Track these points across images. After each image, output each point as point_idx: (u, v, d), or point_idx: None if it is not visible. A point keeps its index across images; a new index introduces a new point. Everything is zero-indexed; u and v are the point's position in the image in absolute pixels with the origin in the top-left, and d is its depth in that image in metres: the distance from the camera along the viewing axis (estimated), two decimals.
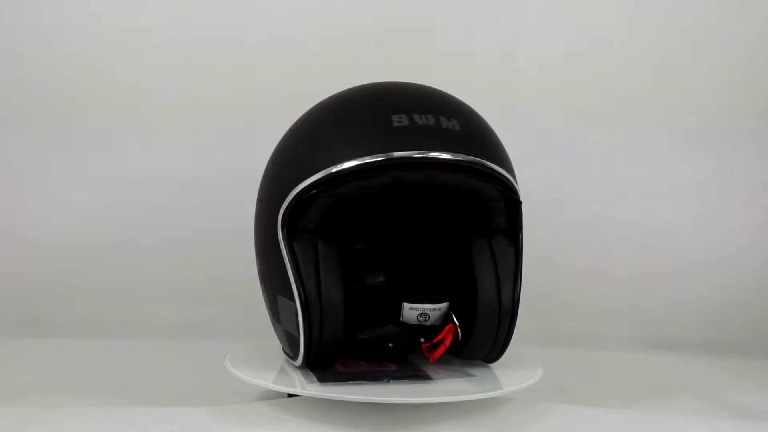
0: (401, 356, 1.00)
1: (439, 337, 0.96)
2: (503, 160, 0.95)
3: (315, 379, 0.92)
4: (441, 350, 0.96)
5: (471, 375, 0.97)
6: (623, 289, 1.46)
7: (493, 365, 1.01)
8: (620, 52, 1.51)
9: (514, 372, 0.99)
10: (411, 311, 0.99)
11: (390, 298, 1.00)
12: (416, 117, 0.90)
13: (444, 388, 0.92)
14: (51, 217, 1.46)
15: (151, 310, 1.38)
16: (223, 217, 1.44)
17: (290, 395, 0.94)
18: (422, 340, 0.98)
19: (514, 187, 0.95)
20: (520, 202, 0.96)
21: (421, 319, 0.99)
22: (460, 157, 0.89)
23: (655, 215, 1.50)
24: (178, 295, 1.41)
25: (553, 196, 1.43)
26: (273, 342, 1.03)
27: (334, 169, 0.88)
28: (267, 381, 0.92)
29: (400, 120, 0.89)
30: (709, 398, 1.11)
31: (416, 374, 0.96)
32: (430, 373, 0.96)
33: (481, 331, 0.95)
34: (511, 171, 0.95)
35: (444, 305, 0.97)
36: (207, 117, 1.48)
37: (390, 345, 0.98)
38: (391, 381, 0.93)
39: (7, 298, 1.38)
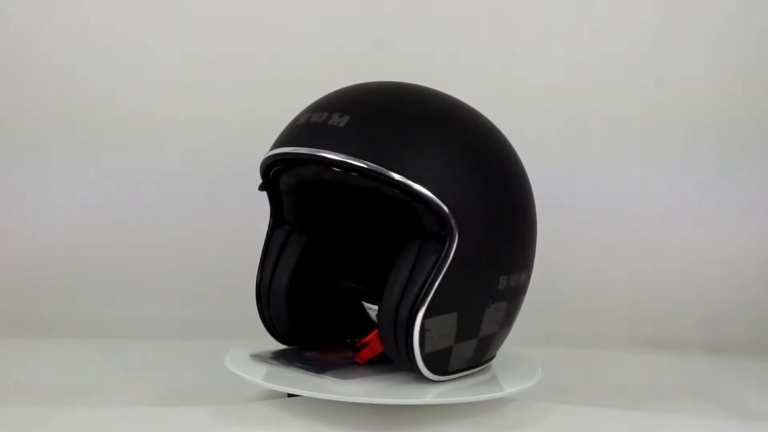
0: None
1: (365, 339, 0.95)
2: (397, 158, 0.86)
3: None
4: (367, 353, 0.95)
5: (362, 377, 0.93)
6: (623, 289, 1.46)
7: (492, 364, 1.01)
8: (620, 51, 1.51)
9: (514, 372, 0.99)
10: (370, 311, 1.00)
11: (354, 297, 1.02)
12: (315, 115, 0.91)
13: (443, 390, 0.92)
14: (51, 217, 1.46)
15: (151, 310, 1.38)
16: (223, 217, 1.45)
17: (290, 395, 0.94)
18: (348, 340, 0.97)
19: (408, 188, 0.86)
20: (421, 202, 0.86)
21: None
22: (303, 150, 0.89)
23: (655, 215, 1.50)
24: (178, 295, 1.41)
25: (552, 196, 1.43)
26: (273, 342, 1.03)
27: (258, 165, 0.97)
28: (267, 381, 0.92)
29: (300, 118, 0.93)
30: (709, 398, 1.11)
31: (314, 367, 0.95)
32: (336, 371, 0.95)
33: (383, 341, 0.91)
34: (415, 172, 0.86)
35: None
36: (207, 117, 1.48)
37: (347, 340, 0.98)
38: (292, 367, 0.95)
39: (7, 298, 1.38)
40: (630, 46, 1.51)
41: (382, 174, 0.86)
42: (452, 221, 0.86)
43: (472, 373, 0.96)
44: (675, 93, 1.51)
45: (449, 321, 0.89)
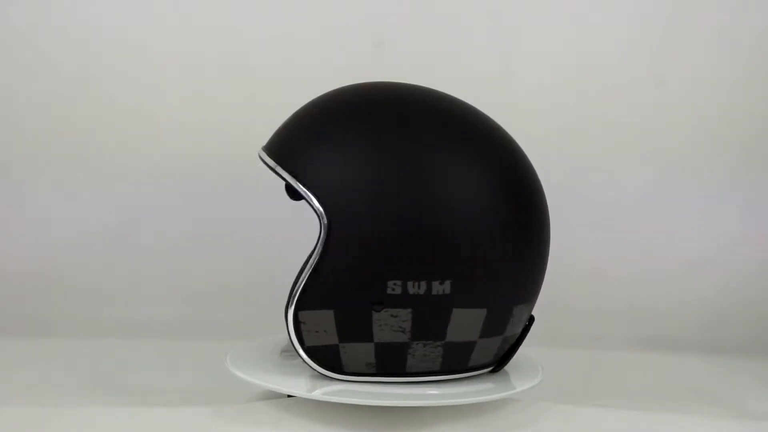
0: None
1: None
2: (289, 155, 0.89)
3: None
4: None
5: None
6: (623, 289, 1.46)
7: None
8: (620, 51, 1.51)
9: (514, 373, 0.99)
10: None
11: None
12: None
13: (443, 391, 0.92)
14: (51, 217, 1.46)
15: (151, 310, 1.38)
16: (223, 217, 1.44)
17: (290, 395, 0.94)
18: None
19: (293, 185, 0.87)
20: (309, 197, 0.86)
21: None
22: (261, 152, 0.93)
23: (655, 215, 1.50)
24: (178, 295, 1.41)
25: (552, 196, 1.43)
26: (273, 341, 1.03)
27: None
28: (267, 381, 0.92)
29: None
30: (709, 398, 1.11)
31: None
32: None
33: None
34: (301, 169, 0.87)
35: None
36: (207, 117, 1.48)
37: None
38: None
39: (7, 298, 1.38)
40: (630, 46, 1.51)
41: (276, 170, 0.89)
42: (323, 216, 0.86)
43: (386, 382, 0.91)
44: (675, 93, 1.51)
45: (326, 317, 0.87)
